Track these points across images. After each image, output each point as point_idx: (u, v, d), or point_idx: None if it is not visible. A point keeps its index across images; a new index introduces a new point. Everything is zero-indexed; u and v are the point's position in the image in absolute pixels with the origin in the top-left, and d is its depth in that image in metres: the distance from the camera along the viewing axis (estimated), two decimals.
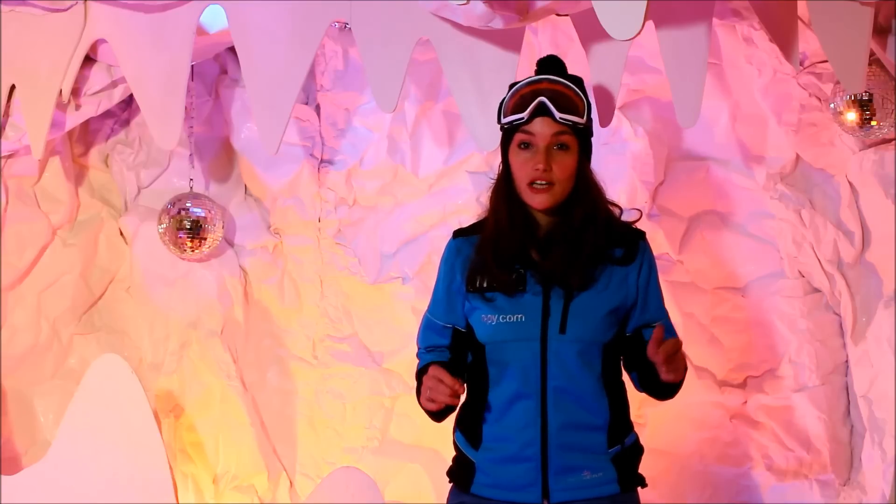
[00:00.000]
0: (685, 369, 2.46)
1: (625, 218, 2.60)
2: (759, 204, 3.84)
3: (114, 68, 3.73)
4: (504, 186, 2.55)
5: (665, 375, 2.40)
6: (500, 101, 2.58)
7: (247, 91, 3.40)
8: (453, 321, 2.61)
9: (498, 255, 2.51)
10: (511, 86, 2.57)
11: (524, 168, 2.49)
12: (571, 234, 2.49)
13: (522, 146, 2.50)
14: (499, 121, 2.56)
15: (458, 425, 2.62)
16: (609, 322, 2.50)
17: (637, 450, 2.58)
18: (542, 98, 2.47)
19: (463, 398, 2.50)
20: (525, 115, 2.47)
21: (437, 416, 2.52)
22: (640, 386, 2.59)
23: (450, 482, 2.63)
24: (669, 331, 2.56)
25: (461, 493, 2.57)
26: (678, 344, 2.39)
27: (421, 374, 2.59)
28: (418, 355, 2.69)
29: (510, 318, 2.49)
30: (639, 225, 2.61)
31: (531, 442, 2.47)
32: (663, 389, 2.53)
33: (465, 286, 2.55)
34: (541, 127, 2.48)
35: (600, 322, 2.49)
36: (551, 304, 2.47)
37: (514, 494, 2.49)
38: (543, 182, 2.47)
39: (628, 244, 2.54)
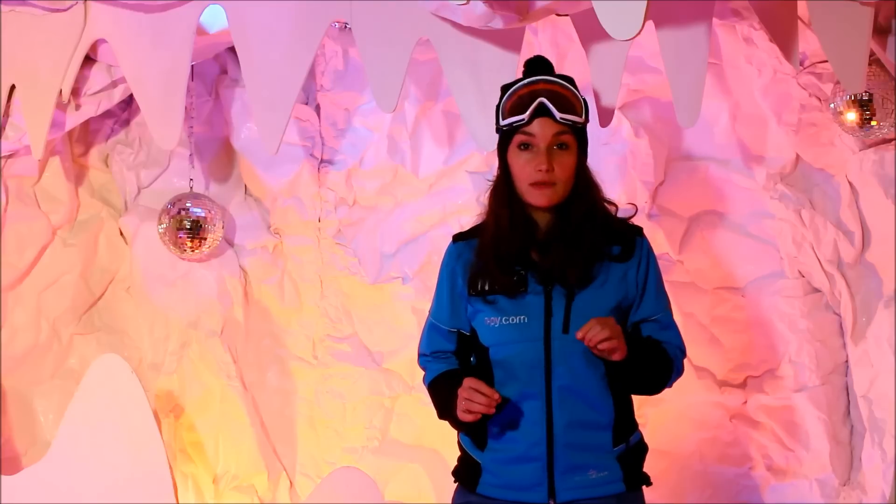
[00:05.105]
0: (624, 349, 2.39)
1: (621, 214, 2.60)
2: (759, 204, 3.83)
3: (114, 68, 3.73)
4: (504, 188, 2.54)
5: (599, 354, 2.37)
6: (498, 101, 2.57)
7: (247, 91, 3.40)
8: (458, 325, 2.61)
9: (499, 257, 2.50)
10: (504, 88, 2.56)
11: (525, 169, 2.48)
12: (570, 231, 2.48)
13: (523, 147, 2.49)
14: (497, 123, 2.56)
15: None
16: None
17: (642, 448, 2.58)
18: (543, 99, 2.46)
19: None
20: (525, 116, 2.47)
21: (471, 426, 2.49)
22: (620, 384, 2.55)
23: (455, 482, 2.63)
24: (669, 326, 2.57)
25: (467, 492, 2.57)
26: (601, 321, 2.35)
27: (437, 384, 2.59)
28: (422, 363, 2.69)
29: (513, 320, 2.49)
30: (639, 225, 2.61)
31: (538, 442, 2.46)
32: (631, 381, 2.49)
33: (468, 290, 2.55)
34: (541, 127, 2.47)
35: None
36: (553, 303, 2.47)
37: (520, 494, 2.49)
38: (546, 182, 2.47)
39: (626, 241, 2.54)
